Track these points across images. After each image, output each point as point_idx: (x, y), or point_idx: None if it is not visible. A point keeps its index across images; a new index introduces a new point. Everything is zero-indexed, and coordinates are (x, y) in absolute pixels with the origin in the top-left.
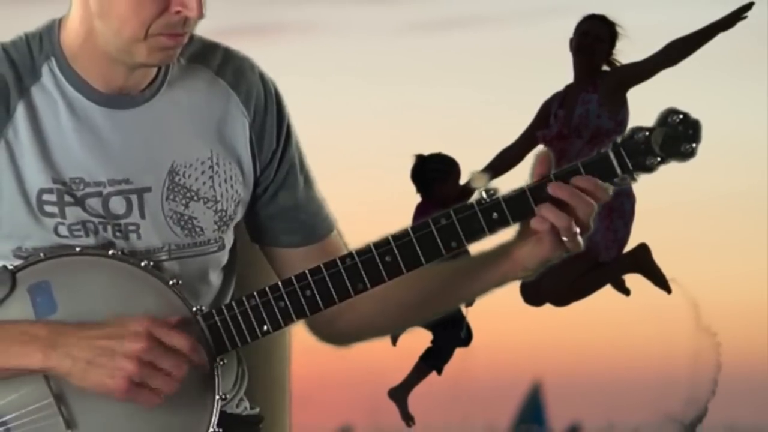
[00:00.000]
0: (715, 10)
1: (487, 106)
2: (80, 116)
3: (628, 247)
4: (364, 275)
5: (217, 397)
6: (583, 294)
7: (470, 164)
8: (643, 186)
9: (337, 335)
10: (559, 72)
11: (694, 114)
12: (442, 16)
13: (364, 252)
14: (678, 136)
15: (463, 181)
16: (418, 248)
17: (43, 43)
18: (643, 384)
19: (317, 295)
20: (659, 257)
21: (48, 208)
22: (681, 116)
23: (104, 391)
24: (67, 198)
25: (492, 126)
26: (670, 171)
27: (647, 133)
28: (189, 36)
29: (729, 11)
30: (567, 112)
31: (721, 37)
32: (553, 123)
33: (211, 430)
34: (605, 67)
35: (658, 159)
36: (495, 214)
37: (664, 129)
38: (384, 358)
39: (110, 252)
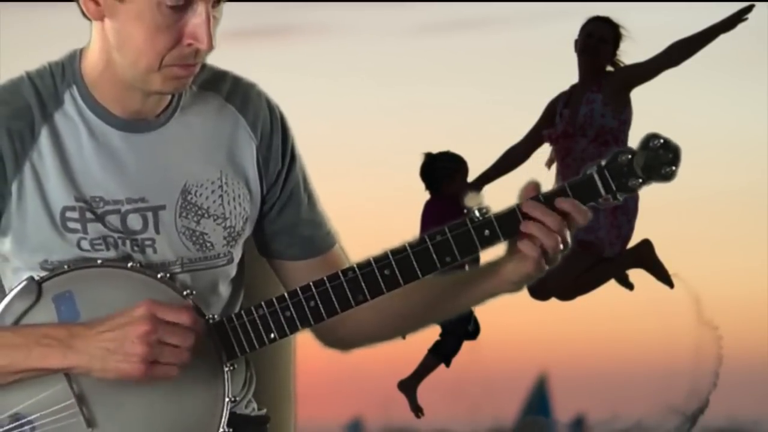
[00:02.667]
0: (717, 12)
1: (494, 105)
2: (100, 139)
3: (632, 243)
4: (364, 287)
5: (227, 399)
6: (588, 288)
7: (478, 162)
8: None
9: (339, 342)
10: (564, 72)
11: (696, 113)
12: (450, 18)
13: (365, 266)
14: (659, 159)
15: (470, 179)
16: (414, 263)
17: (65, 72)
18: (647, 376)
19: (321, 306)
20: (662, 253)
21: (71, 225)
22: (662, 141)
23: (124, 377)
24: (89, 215)
25: (499, 125)
26: None
27: (630, 156)
28: (200, 65)
29: (730, 13)
30: (572, 112)
31: (723, 39)
32: (559, 122)
33: (221, 429)
34: (609, 68)
35: (640, 180)
36: (487, 231)
37: (645, 152)
38: (393, 351)
39: (129, 264)
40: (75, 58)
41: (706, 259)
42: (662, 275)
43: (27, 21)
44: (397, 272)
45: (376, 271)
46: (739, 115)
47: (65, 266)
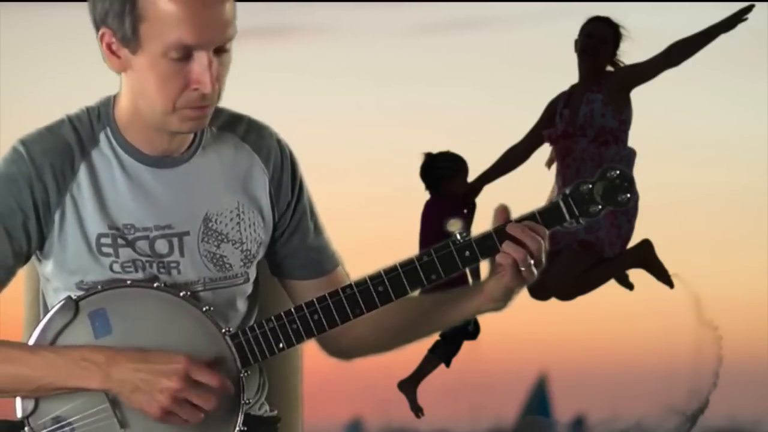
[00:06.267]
0: (717, 12)
1: (494, 105)
2: (131, 174)
3: (632, 243)
4: (361, 302)
5: (243, 401)
6: (588, 288)
7: (478, 162)
8: (647, 184)
9: (342, 352)
10: (564, 72)
11: (696, 113)
12: (450, 18)
13: (361, 283)
14: (615, 188)
15: (470, 179)
16: (404, 280)
17: (100, 116)
18: (647, 376)
19: (323, 319)
20: (662, 253)
21: (105, 249)
22: (618, 172)
23: (143, 412)
24: (120, 241)
25: (499, 125)
26: (673, 169)
27: (590, 186)
28: (214, 107)
29: (730, 13)
30: (572, 112)
31: (722, 39)
32: (559, 122)
33: (237, 429)
34: (609, 68)
35: (599, 207)
36: (467, 252)
37: (604, 182)
38: (393, 352)
39: (155, 284)
40: (109, 103)
41: (706, 259)
42: (662, 275)
43: (27, 21)
44: (389, 288)
45: (371, 288)
46: (739, 115)
47: (99, 286)
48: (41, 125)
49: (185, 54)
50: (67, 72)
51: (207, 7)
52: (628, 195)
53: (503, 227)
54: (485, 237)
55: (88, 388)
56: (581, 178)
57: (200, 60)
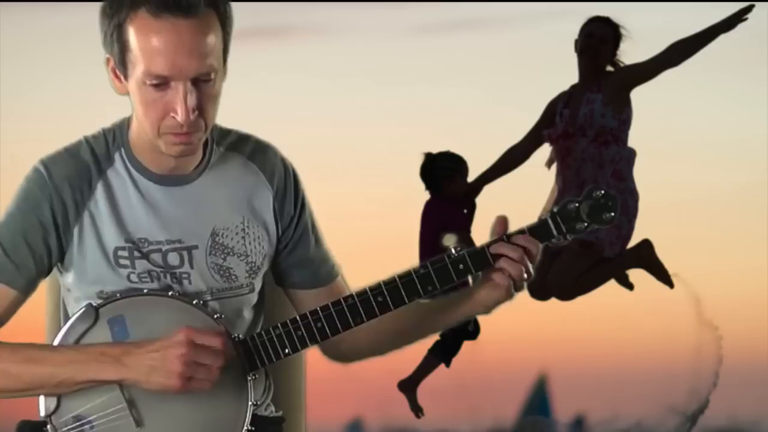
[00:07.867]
0: (717, 12)
1: (494, 105)
2: (143, 192)
3: (632, 243)
4: (362, 311)
5: (250, 403)
6: (588, 289)
7: (478, 162)
8: (647, 184)
9: (342, 356)
10: (564, 72)
11: (696, 113)
12: (450, 18)
13: (362, 294)
14: (600, 207)
15: (470, 179)
16: (402, 291)
17: (116, 137)
18: (647, 376)
19: (326, 326)
20: (662, 253)
21: (122, 261)
22: (602, 192)
23: (166, 390)
24: (136, 254)
25: (499, 125)
26: (673, 169)
27: (576, 205)
28: (202, 133)
29: (730, 13)
30: (572, 112)
31: (723, 39)
32: (559, 122)
33: (245, 428)
34: (609, 68)
35: (585, 224)
36: (461, 266)
37: (589, 202)
38: (394, 352)
39: (170, 293)
40: (123, 124)
41: (706, 259)
42: (662, 275)
43: (27, 21)
44: (388, 299)
45: (371, 298)
46: (739, 115)
47: (117, 295)
48: (41, 125)
49: (163, 82)
50: (67, 72)
51: (180, 39)
52: (612, 213)
53: (496, 242)
54: (478, 251)
55: (106, 379)
56: (581, 178)
57: (176, 89)
